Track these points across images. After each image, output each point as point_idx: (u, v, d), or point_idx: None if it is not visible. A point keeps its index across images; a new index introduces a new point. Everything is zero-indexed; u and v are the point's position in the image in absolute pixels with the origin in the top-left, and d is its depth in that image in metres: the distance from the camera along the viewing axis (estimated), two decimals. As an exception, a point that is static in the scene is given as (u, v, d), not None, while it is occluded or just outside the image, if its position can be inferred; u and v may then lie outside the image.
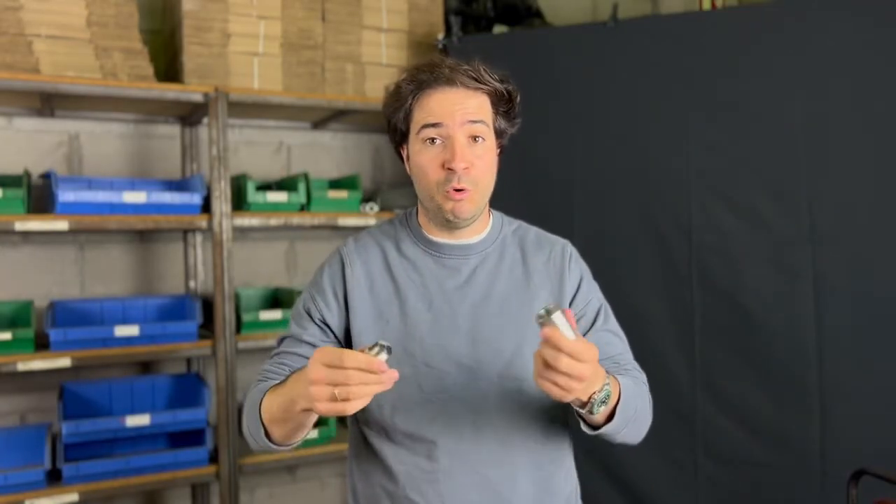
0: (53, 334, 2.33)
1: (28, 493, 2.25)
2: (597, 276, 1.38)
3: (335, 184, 2.93)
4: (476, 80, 1.20)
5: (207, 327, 2.66)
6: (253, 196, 2.62)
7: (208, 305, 2.69)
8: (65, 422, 2.32)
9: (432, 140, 1.20)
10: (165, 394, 2.66)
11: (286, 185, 2.79)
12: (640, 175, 2.55)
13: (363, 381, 0.91)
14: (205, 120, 2.76)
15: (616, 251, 2.55)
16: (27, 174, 2.42)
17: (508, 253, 1.31)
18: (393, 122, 1.26)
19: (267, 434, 1.15)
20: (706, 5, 3.14)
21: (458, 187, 1.18)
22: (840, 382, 2.31)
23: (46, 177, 2.46)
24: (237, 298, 2.71)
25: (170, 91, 2.47)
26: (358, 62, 2.86)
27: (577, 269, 1.33)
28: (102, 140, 2.76)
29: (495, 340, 1.23)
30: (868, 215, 2.31)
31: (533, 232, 1.36)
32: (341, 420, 2.83)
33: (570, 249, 1.35)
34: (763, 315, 2.40)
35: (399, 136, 1.27)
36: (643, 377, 1.29)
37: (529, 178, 2.62)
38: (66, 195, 2.32)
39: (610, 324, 1.33)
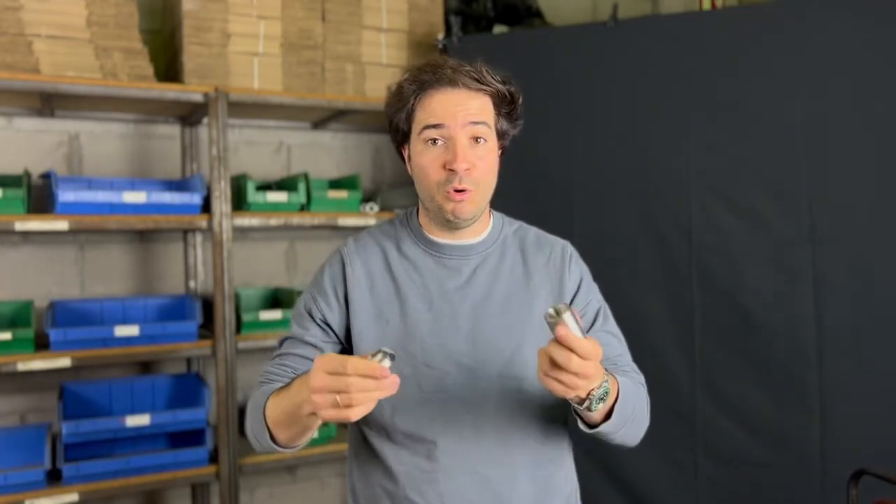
0: (53, 334, 2.33)
1: (28, 493, 2.25)
2: (597, 275, 1.38)
3: (335, 184, 2.93)
4: (478, 80, 1.20)
5: (207, 327, 2.66)
6: (253, 196, 2.62)
7: (208, 305, 2.69)
8: (65, 422, 2.32)
9: (434, 141, 1.20)
10: (165, 394, 2.66)
11: (286, 185, 2.79)
12: (640, 175, 2.55)
13: (365, 387, 0.91)
14: (205, 120, 2.76)
15: (616, 251, 2.55)
16: (27, 174, 2.42)
17: (509, 253, 1.31)
18: (395, 123, 1.26)
19: (272, 436, 1.15)
20: (706, 5, 3.14)
21: (460, 188, 1.18)
22: (840, 382, 2.31)
23: (46, 177, 2.46)
24: (237, 298, 2.71)
25: (170, 91, 2.47)
26: (358, 62, 2.86)
27: (577, 269, 1.33)
28: (102, 140, 2.76)
29: (495, 340, 1.23)
30: (868, 215, 2.31)
31: (533, 232, 1.36)
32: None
33: (571, 250, 1.35)
34: (763, 315, 2.40)
35: (400, 136, 1.27)
36: (641, 379, 1.30)
37: (529, 178, 2.62)
38: (66, 195, 2.32)
39: (609, 325, 1.33)
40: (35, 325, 2.40)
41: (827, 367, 2.33)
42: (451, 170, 1.18)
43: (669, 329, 2.50)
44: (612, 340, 1.30)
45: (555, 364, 0.95)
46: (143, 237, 2.82)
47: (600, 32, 2.62)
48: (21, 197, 2.30)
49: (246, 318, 2.60)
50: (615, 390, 1.11)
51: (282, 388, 1.13)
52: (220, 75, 2.62)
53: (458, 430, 1.21)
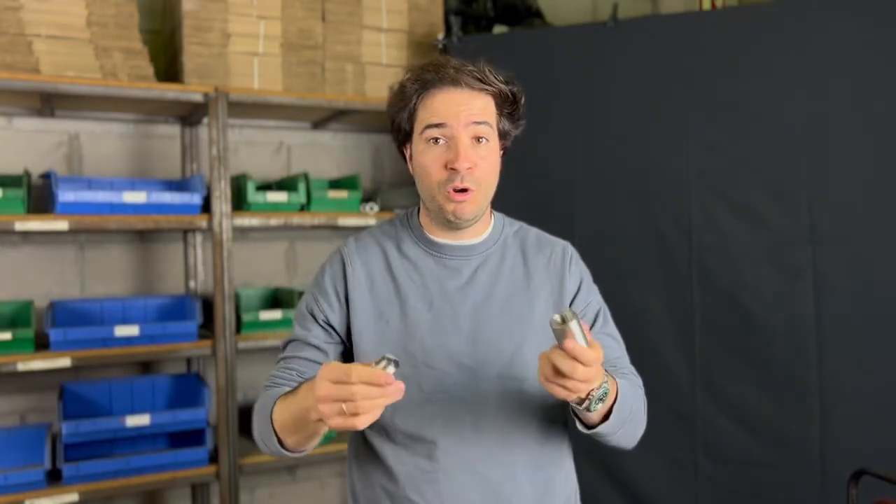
0: (53, 334, 2.33)
1: (28, 493, 2.25)
2: (597, 276, 1.38)
3: (335, 184, 2.93)
4: (481, 80, 1.20)
5: (207, 327, 2.66)
6: (253, 196, 2.62)
7: (208, 305, 2.69)
8: (65, 422, 2.32)
9: (436, 140, 1.20)
10: (165, 394, 2.66)
11: (286, 185, 2.79)
12: (640, 175, 2.55)
13: (369, 395, 0.91)
14: (205, 120, 2.76)
15: (616, 251, 2.55)
16: (27, 174, 2.42)
17: (509, 254, 1.31)
18: (397, 122, 1.26)
19: (280, 441, 1.14)
20: (706, 5, 3.14)
21: (461, 187, 1.18)
22: (840, 382, 2.31)
23: (46, 177, 2.46)
24: (237, 298, 2.71)
25: (170, 91, 2.47)
26: (358, 62, 2.86)
27: (577, 270, 1.33)
28: (102, 140, 2.76)
29: (496, 341, 1.23)
30: (868, 215, 2.31)
31: (534, 233, 1.36)
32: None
33: (571, 251, 1.35)
34: (763, 315, 2.40)
35: (402, 135, 1.26)
36: (639, 381, 1.30)
37: (529, 178, 2.62)
38: (66, 195, 2.32)
39: (608, 327, 1.33)
40: (35, 325, 2.40)
41: (827, 367, 2.33)
42: (452, 169, 1.18)
43: (669, 329, 2.50)
44: (611, 343, 1.30)
45: (558, 372, 0.95)
46: (143, 237, 2.82)
47: (600, 32, 2.62)
48: (21, 197, 2.30)
49: (246, 318, 2.60)
50: (614, 391, 1.11)
51: (288, 393, 1.13)
52: (220, 75, 2.62)
53: (458, 430, 1.21)
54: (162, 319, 2.63)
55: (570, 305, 1.30)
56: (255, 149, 3.01)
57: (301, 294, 2.72)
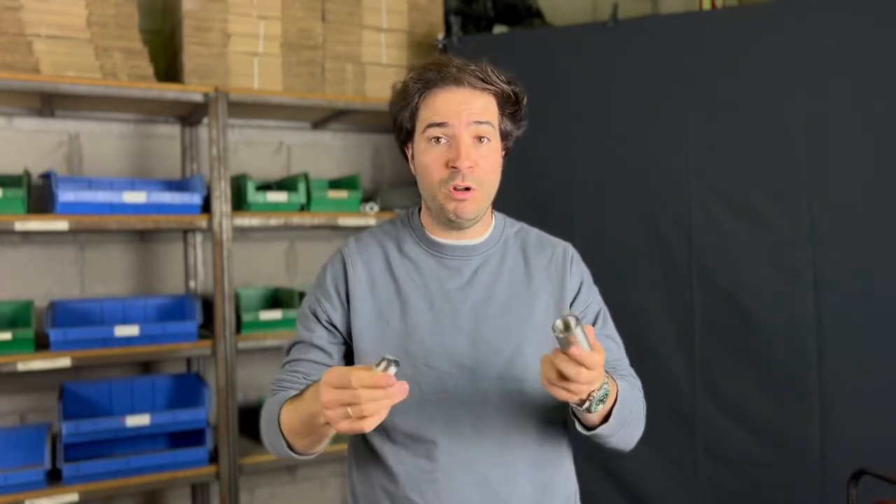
0: (53, 334, 2.33)
1: (28, 493, 2.25)
2: (597, 276, 1.38)
3: (335, 184, 2.93)
4: (483, 80, 1.20)
5: (207, 327, 2.66)
6: (253, 196, 2.62)
7: (208, 305, 2.69)
8: (65, 422, 2.32)
9: (437, 139, 1.20)
10: (165, 394, 2.66)
11: (286, 185, 2.79)
12: (640, 175, 2.55)
13: (373, 398, 0.91)
14: (205, 120, 2.76)
15: (616, 251, 2.55)
16: (27, 174, 2.42)
17: (510, 254, 1.31)
18: (399, 121, 1.26)
19: (289, 445, 1.15)
20: (706, 5, 3.14)
21: (463, 185, 1.18)
22: (840, 382, 2.31)
23: (46, 177, 2.46)
24: (237, 298, 2.71)
25: (170, 91, 2.47)
26: (358, 62, 2.86)
27: (578, 271, 1.33)
28: (102, 140, 2.76)
29: (496, 341, 1.23)
30: (868, 215, 2.31)
31: (535, 234, 1.36)
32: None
33: (572, 252, 1.35)
34: (763, 315, 2.40)
35: (404, 134, 1.27)
36: (638, 384, 1.30)
37: (529, 178, 2.62)
38: (66, 195, 2.32)
39: (608, 329, 1.33)
40: (35, 325, 2.40)
41: (827, 367, 2.33)
42: (453, 168, 1.18)
43: (669, 329, 2.50)
44: (611, 345, 1.30)
45: (563, 376, 0.96)
46: (143, 237, 2.82)
47: (600, 32, 2.62)
48: (21, 197, 2.30)
49: (246, 318, 2.60)
50: (614, 393, 1.11)
51: (295, 397, 1.13)
52: (220, 75, 2.62)
53: (457, 430, 1.21)
54: (162, 319, 2.63)
55: (571, 306, 1.30)
56: (255, 149, 3.01)
57: (301, 294, 2.72)
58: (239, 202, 2.65)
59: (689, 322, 2.48)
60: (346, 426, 0.94)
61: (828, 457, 2.31)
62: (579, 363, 0.94)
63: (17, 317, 2.47)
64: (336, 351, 1.27)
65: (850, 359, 2.31)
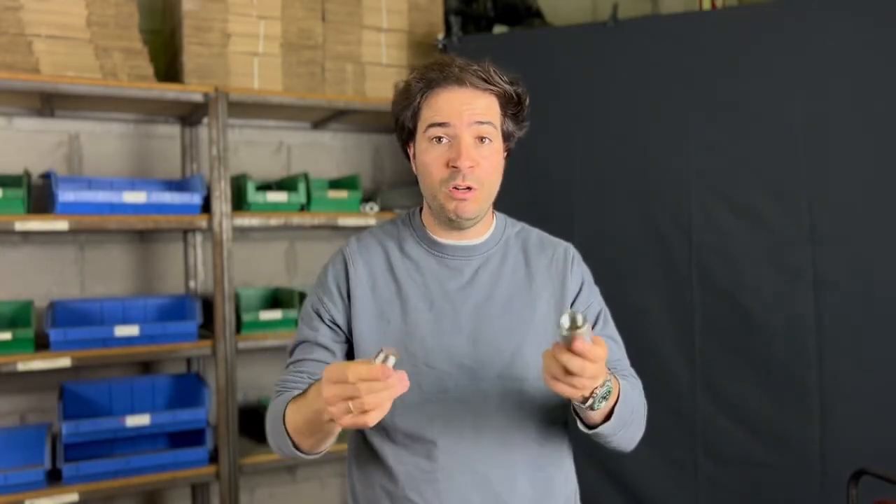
0: (53, 334, 2.33)
1: (28, 493, 2.24)
2: (597, 276, 1.38)
3: (335, 184, 2.93)
4: (485, 80, 1.20)
5: (207, 327, 2.66)
6: (253, 196, 2.62)
7: (208, 305, 2.69)
8: (65, 422, 2.32)
9: (439, 139, 1.20)
10: (165, 394, 2.66)
11: (286, 185, 2.79)
12: (640, 175, 2.55)
13: (372, 390, 0.90)
14: (205, 120, 2.76)
15: (616, 251, 2.55)
16: (27, 174, 2.42)
17: (511, 254, 1.31)
18: (400, 120, 1.26)
19: (295, 445, 1.14)
20: (706, 5, 3.14)
21: (464, 185, 1.18)
22: (840, 382, 2.31)
23: (46, 177, 2.46)
24: (237, 298, 2.71)
25: (170, 91, 2.47)
26: (358, 62, 2.86)
27: (578, 272, 1.33)
28: (102, 140, 2.76)
29: (496, 341, 1.23)
30: (868, 215, 2.31)
31: (536, 234, 1.36)
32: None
33: (573, 252, 1.35)
34: (763, 315, 2.40)
35: (406, 133, 1.27)
36: (639, 384, 1.30)
37: (529, 178, 2.62)
38: (66, 195, 2.32)
39: (609, 329, 1.33)
40: (35, 325, 2.40)
41: (827, 367, 2.33)
42: (454, 167, 1.18)
43: (669, 329, 2.50)
44: (611, 345, 1.30)
45: (567, 371, 0.95)
46: (143, 237, 2.82)
47: (600, 32, 2.62)
48: (21, 197, 2.30)
49: (246, 318, 2.60)
50: (616, 390, 1.11)
51: (298, 396, 1.13)
52: (220, 75, 2.62)
53: (457, 430, 1.21)
54: (162, 319, 2.63)
55: (571, 306, 1.30)
56: (255, 149, 3.01)
57: (301, 294, 2.72)
58: (239, 202, 2.65)
59: (689, 322, 2.48)
60: (348, 421, 0.93)
61: (828, 457, 2.31)
62: (584, 357, 0.93)
63: (17, 317, 2.47)
64: (340, 350, 1.27)
65: (850, 359, 2.31)
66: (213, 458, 2.53)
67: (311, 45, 2.78)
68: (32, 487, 2.27)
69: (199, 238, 2.88)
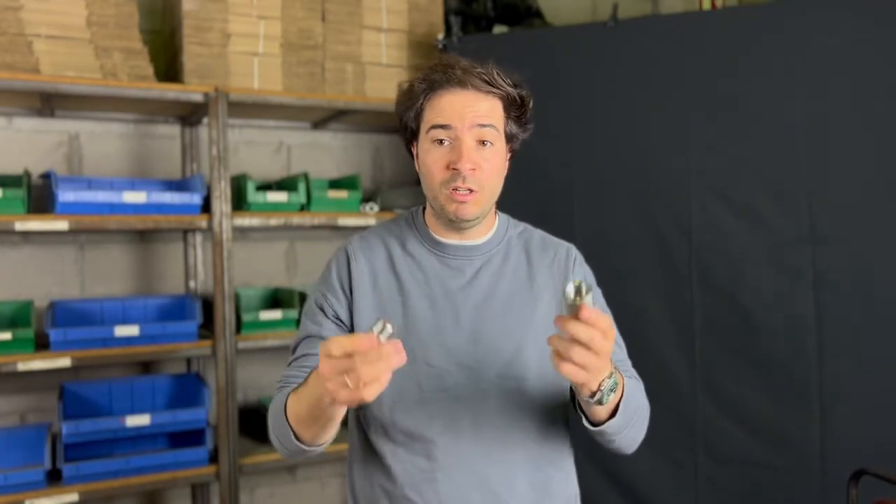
0: (53, 334, 2.33)
1: (28, 493, 2.24)
2: (597, 276, 1.38)
3: (335, 184, 2.93)
4: (489, 83, 1.20)
5: (207, 327, 2.66)
6: (253, 196, 2.62)
7: (208, 305, 2.69)
8: (65, 422, 2.32)
9: (441, 141, 1.20)
10: (165, 394, 2.66)
11: (286, 185, 2.79)
12: (640, 175, 2.55)
13: (367, 361, 0.88)
14: (205, 120, 2.76)
15: (616, 251, 2.55)
16: (27, 174, 2.42)
17: (513, 254, 1.31)
18: (404, 121, 1.26)
19: (297, 437, 1.12)
20: (706, 5, 3.14)
21: (464, 187, 1.18)
22: (840, 382, 2.31)
23: (46, 177, 2.46)
24: (237, 298, 2.71)
25: (170, 91, 2.47)
26: (358, 62, 2.86)
27: (580, 272, 1.33)
28: (102, 140, 2.76)
29: (496, 341, 1.23)
30: (868, 215, 2.31)
31: (538, 234, 1.37)
32: (342, 420, 2.83)
33: (575, 253, 1.35)
34: (763, 315, 2.40)
35: (409, 134, 1.27)
36: (642, 386, 1.29)
37: (529, 178, 2.62)
38: (66, 195, 2.32)
39: None
40: (35, 325, 2.40)
41: (827, 367, 2.33)
42: (454, 169, 1.18)
43: (669, 329, 2.50)
44: (614, 347, 1.29)
45: (576, 341, 0.92)
46: (143, 237, 2.82)
47: (600, 32, 2.62)
48: (21, 197, 2.30)
49: (246, 318, 2.59)
50: (621, 385, 1.11)
51: (298, 386, 1.12)
52: (220, 75, 2.62)
53: (457, 429, 1.21)
54: (162, 319, 2.63)
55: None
56: (255, 149, 3.01)
57: (301, 294, 2.72)
58: (239, 202, 2.65)
59: (689, 322, 2.48)
60: (345, 396, 0.90)
61: (828, 457, 2.31)
62: (592, 326, 0.91)
63: (17, 317, 2.47)
64: None
65: (850, 359, 2.31)
66: (213, 458, 2.53)
67: (311, 45, 2.78)
68: (32, 487, 2.27)
69: (199, 238, 2.88)
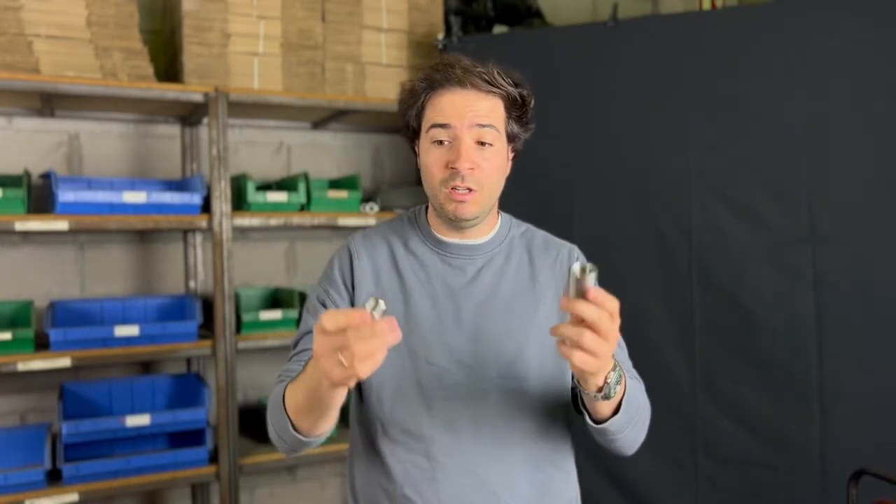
0: (53, 334, 2.33)
1: (28, 493, 2.24)
2: (597, 276, 1.37)
3: (335, 184, 2.93)
4: (489, 82, 1.20)
5: (207, 327, 2.66)
6: (253, 196, 2.62)
7: (208, 305, 2.69)
8: (65, 422, 2.32)
9: (440, 141, 1.20)
10: (165, 394, 2.66)
11: (286, 185, 2.79)
12: (640, 175, 2.55)
13: (360, 336, 0.86)
14: (205, 120, 2.76)
15: (616, 251, 2.55)
16: (27, 174, 2.42)
17: (515, 254, 1.31)
18: (406, 120, 1.27)
19: (295, 427, 1.11)
20: (706, 5, 3.14)
21: (463, 187, 1.18)
22: (840, 382, 2.31)
23: (46, 177, 2.46)
24: (237, 298, 2.71)
25: (170, 91, 2.47)
26: (358, 62, 2.86)
27: (582, 271, 1.33)
28: (102, 140, 2.76)
29: (498, 340, 1.23)
30: (868, 215, 2.31)
31: (541, 235, 1.37)
32: (342, 419, 2.82)
33: (577, 253, 1.35)
34: (763, 315, 2.40)
35: (411, 133, 1.27)
36: (643, 387, 1.29)
37: (529, 178, 2.62)
38: (66, 195, 2.32)
39: None
40: (35, 325, 2.40)
41: (827, 367, 2.33)
42: (453, 168, 1.18)
43: (669, 329, 2.50)
44: (616, 349, 1.29)
45: (583, 322, 0.91)
46: (143, 237, 2.82)
47: (600, 32, 2.62)
48: (21, 197, 2.30)
49: (246, 318, 2.59)
50: (624, 381, 1.11)
51: (296, 375, 1.11)
52: (220, 75, 2.62)
53: (456, 428, 1.21)
54: (162, 319, 2.63)
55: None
56: (255, 149, 3.01)
57: (301, 294, 2.72)
58: (239, 202, 2.65)
59: (689, 322, 2.48)
60: (339, 374, 0.89)
61: (828, 457, 2.31)
62: (599, 306, 0.91)
63: (17, 317, 2.47)
64: None
65: (850, 359, 2.31)
66: (213, 458, 2.53)
67: (311, 45, 2.78)
68: (32, 487, 2.27)
69: (199, 238, 2.88)
